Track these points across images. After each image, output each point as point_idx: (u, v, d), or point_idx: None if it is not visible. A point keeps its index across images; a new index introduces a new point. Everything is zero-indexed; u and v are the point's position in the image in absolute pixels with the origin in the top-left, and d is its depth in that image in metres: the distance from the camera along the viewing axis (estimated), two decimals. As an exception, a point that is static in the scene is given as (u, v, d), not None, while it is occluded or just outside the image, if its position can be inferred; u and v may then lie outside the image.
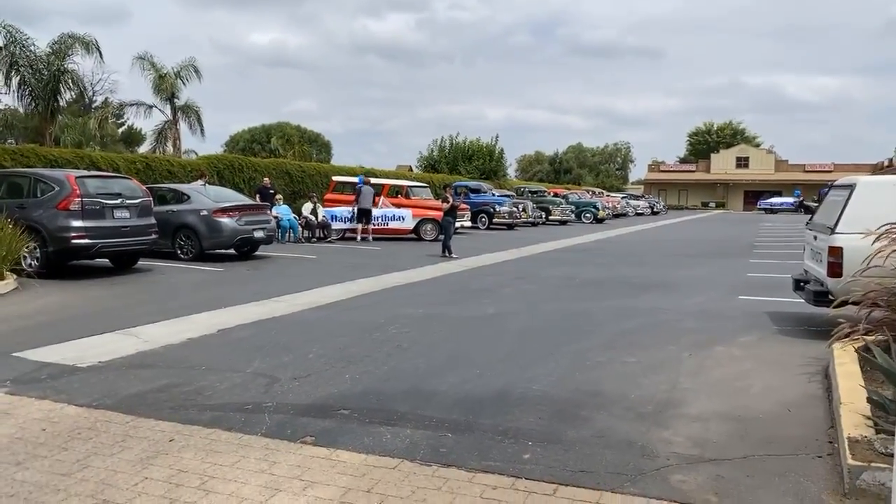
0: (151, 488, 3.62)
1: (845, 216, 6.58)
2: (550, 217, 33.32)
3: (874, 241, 5.04)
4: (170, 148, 34.73)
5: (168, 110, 34.27)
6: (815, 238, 7.34)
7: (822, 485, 3.61)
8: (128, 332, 7.15)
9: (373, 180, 23.64)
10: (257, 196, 19.61)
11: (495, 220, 27.97)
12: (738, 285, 11.33)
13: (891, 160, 58.05)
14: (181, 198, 14.38)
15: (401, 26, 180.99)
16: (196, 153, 38.40)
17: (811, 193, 65.99)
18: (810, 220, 8.06)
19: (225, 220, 13.87)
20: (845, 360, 5.14)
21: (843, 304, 5.67)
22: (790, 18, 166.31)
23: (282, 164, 27.17)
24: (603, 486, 3.63)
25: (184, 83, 33.67)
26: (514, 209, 28.73)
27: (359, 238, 19.58)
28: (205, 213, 13.82)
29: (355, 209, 19.76)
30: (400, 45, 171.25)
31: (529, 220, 30.05)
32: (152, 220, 12.15)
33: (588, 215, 36.50)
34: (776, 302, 9.25)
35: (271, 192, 20.20)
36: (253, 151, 54.69)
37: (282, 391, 5.24)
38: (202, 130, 35.16)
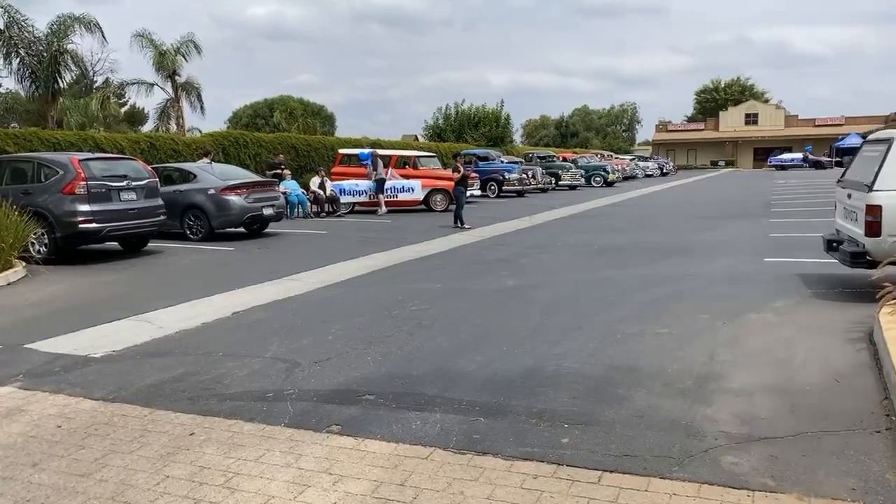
0: (174, 488, 3.44)
1: (884, 172, 6.26)
2: (560, 182, 32.84)
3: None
4: (173, 126, 34.42)
5: (170, 88, 33.88)
6: (850, 196, 7.02)
7: (886, 463, 3.39)
8: (141, 318, 6.97)
9: (379, 151, 23.30)
10: (267, 172, 19.43)
11: (505, 187, 27.54)
12: (762, 247, 11.03)
13: (904, 111, 56.90)
14: (188, 177, 14.12)
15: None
16: (200, 131, 38.04)
17: (822, 148, 65.10)
18: (842, 176, 7.72)
19: (233, 198, 13.63)
20: (892, 324, 4.88)
21: (886, 264, 5.41)
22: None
23: (287, 139, 26.81)
24: (650, 471, 3.42)
25: (185, 59, 33.24)
26: (524, 176, 28.29)
27: (384, 210, 19.50)
28: (212, 191, 13.57)
29: (374, 181, 19.52)
30: (400, 12, 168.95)
31: (539, 186, 29.59)
32: (160, 202, 11.92)
33: (598, 179, 36.00)
34: (804, 263, 8.96)
35: (282, 167, 19.95)
36: (256, 126, 54.27)
37: (303, 376, 5.05)
38: (202, 108, 34.81)
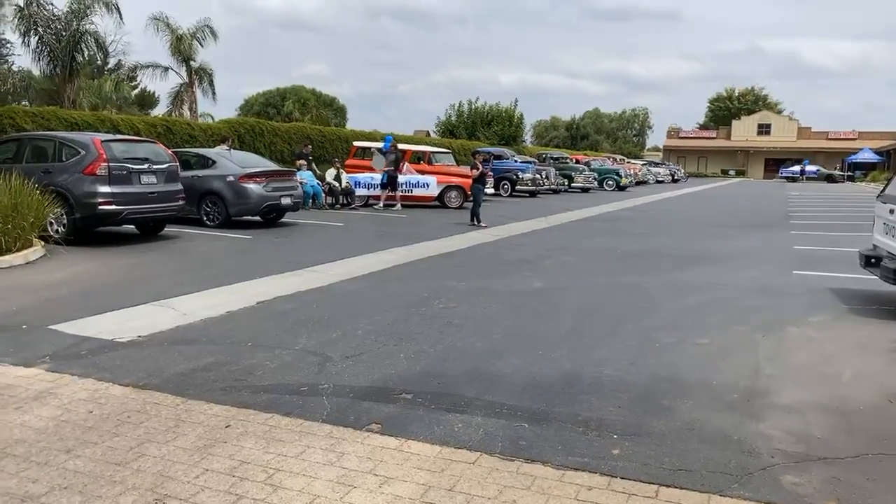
0: (214, 482, 3.32)
1: (931, 189, 6.11)
2: (573, 184, 32.71)
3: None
4: (186, 111, 34.33)
5: (184, 72, 33.79)
6: (892, 212, 6.88)
7: (956, 491, 3.26)
8: (164, 303, 6.86)
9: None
10: (298, 162, 19.23)
11: (518, 187, 27.41)
12: (789, 259, 10.88)
13: (919, 128, 56.56)
14: (207, 163, 14.00)
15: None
16: (212, 117, 38.00)
17: (834, 162, 64.80)
18: (883, 191, 7.57)
19: (252, 186, 13.50)
20: (946, 346, 4.74)
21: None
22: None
23: (302, 129, 26.74)
24: (708, 487, 3.30)
25: (200, 44, 33.17)
26: (538, 176, 28.13)
27: (399, 206, 19.04)
28: (231, 178, 13.46)
29: (385, 175, 19.14)
30: (413, 8, 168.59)
31: (552, 187, 29.46)
32: (179, 186, 11.81)
33: (610, 183, 35.81)
34: (836, 278, 8.82)
35: (309, 158, 19.81)
36: (268, 115, 54.10)
37: (336, 371, 4.93)
38: (214, 93, 34.73)
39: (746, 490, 3.28)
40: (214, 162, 13.93)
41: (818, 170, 60.82)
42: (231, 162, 13.96)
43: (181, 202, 11.84)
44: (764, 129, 73.42)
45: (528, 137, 68.11)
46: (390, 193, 19.08)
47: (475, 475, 3.43)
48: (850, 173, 61.63)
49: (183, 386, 4.59)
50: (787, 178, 60.34)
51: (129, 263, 9.36)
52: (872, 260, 7.15)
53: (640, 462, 3.57)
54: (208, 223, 13.53)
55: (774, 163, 69.23)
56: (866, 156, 62.29)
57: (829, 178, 58.68)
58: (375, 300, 7.29)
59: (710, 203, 27.70)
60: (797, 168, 61.32)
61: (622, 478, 3.40)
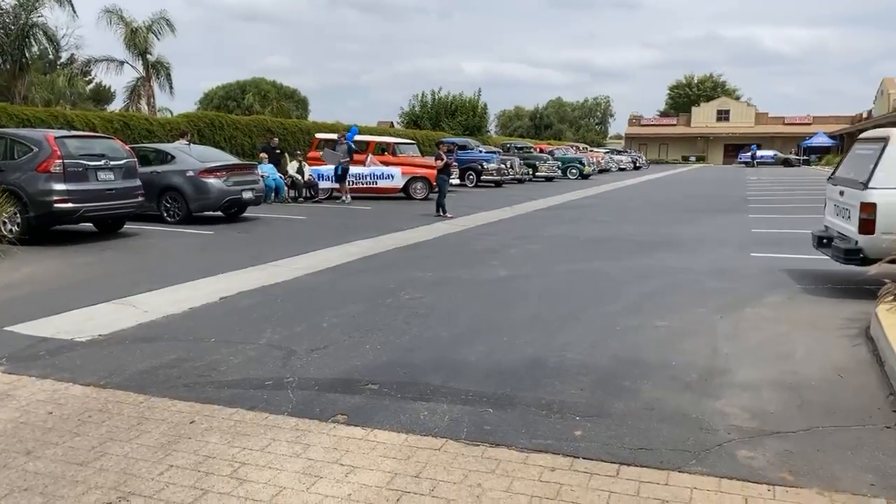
0: (179, 478, 3.31)
1: (879, 171, 6.32)
2: (537, 174, 32.91)
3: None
4: (144, 106, 33.63)
5: (140, 66, 33.07)
6: (842, 193, 7.09)
7: (901, 459, 3.40)
8: (124, 301, 6.76)
9: (359, 137, 23.03)
10: (260, 155, 19.04)
11: (483, 177, 27.50)
12: (747, 242, 11.14)
13: (870, 112, 58.19)
14: (165, 158, 13.76)
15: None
16: (171, 111, 37.29)
17: (790, 146, 66.25)
18: (833, 174, 7.80)
19: (212, 181, 13.32)
20: (893, 321, 4.93)
21: (874, 262, 5.47)
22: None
23: (263, 122, 26.44)
24: (668, 464, 3.40)
25: (157, 38, 32.48)
26: (503, 166, 28.25)
27: (348, 198, 18.93)
28: (191, 173, 13.26)
29: (338, 167, 18.79)
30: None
31: (517, 176, 29.61)
32: (138, 182, 11.60)
33: (574, 171, 36.11)
34: (790, 259, 9.06)
35: (277, 151, 19.57)
36: (228, 108, 53.25)
37: (301, 364, 4.93)
38: (171, 87, 34.06)
39: (704, 466, 3.38)
40: (173, 157, 13.71)
41: (775, 154, 62.18)
42: (190, 157, 13.75)
43: (140, 199, 11.63)
44: (723, 116, 74.72)
45: (492, 127, 68.30)
46: (343, 186, 18.89)
47: (441, 461, 3.47)
48: (805, 157, 63.12)
49: (145, 384, 4.54)
50: (744, 163, 61.57)
51: (88, 262, 9.18)
52: (824, 241, 7.38)
53: (601, 442, 3.65)
54: (168, 219, 13.32)
55: (733, 148, 70.48)
56: (821, 140, 63.83)
57: (786, 163, 60.05)
58: (340, 293, 7.28)
59: (670, 189, 28.15)
60: (758, 153, 62.57)
61: (584, 458, 3.48)
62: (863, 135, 7.49)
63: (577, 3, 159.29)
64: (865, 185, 6.39)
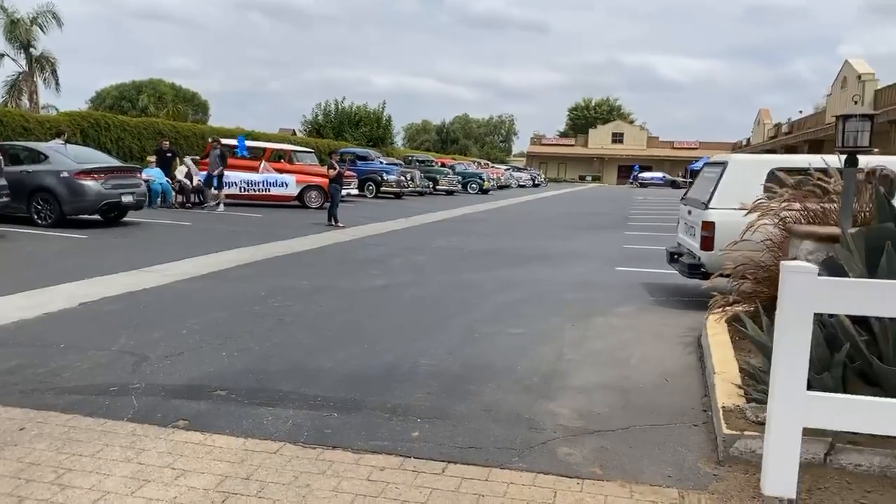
0: (-5, 486, 3.21)
1: (718, 192, 6.91)
2: (437, 187, 33.38)
3: (747, 214, 5.29)
4: (25, 102, 31.73)
5: (23, 60, 31.21)
6: (690, 213, 7.69)
7: (699, 453, 3.75)
8: (-29, 306, 6.40)
9: (253, 143, 22.65)
10: (155, 157, 18.54)
11: (383, 188, 27.66)
12: (616, 257, 11.78)
13: (748, 139, 62.57)
14: (38, 158, 13.07)
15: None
16: (56, 109, 35.25)
17: (678, 169, 70.20)
18: (685, 195, 8.42)
19: (89, 183, 12.76)
20: (717, 330, 5.40)
21: (719, 276, 5.98)
22: (663, 1, 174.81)
23: (153, 124, 25.48)
24: (492, 462, 3.60)
25: (43, 31, 30.77)
26: (403, 178, 28.50)
27: (222, 207, 18.00)
28: (65, 174, 12.65)
29: (216, 173, 18.08)
30: (285, 4, 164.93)
31: (417, 189, 29.93)
32: (3, 182, 10.96)
33: (474, 186, 36.87)
34: (650, 273, 9.67)
35: (168, 155, 18.89)
36: (122, 109, 50.90)
37: (151, 371, 4.85)
38: (58, 84, 32.39)
39: (525, 462, 3.61)
40: (46, 157, 13.04)
41: (664, 176, 65.63)
42: (65, 157, 13.13)
43: (4, 199, 11.00)
44: (617, 138, 78.33)
45: (399, 140, 68.64)
46: (214, 192, 18.35)
47: (274, 464, 3.53)
48: (691, 180, 66.84)
49: (-24, 390, 4.34)
50: (641, 183, 64.62)
51: (-62, 265, 8.60)
52: (675, 256, 7.95)
53: (435, 443, 3.82)
54: (39, 222, 12.65)
55: (626, 170, 73.93)
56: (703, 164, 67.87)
57: (674, 184, 63.52)
58: (209, 300, 7.18)
59: (561, 206, 29.24)
60: (646, 175, 65.84)
61: (415, 457, 3.63)
62: (710, 159, 8.15)
63: (487, 23, 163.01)
64: (706, 205, 6.97)
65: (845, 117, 4.60)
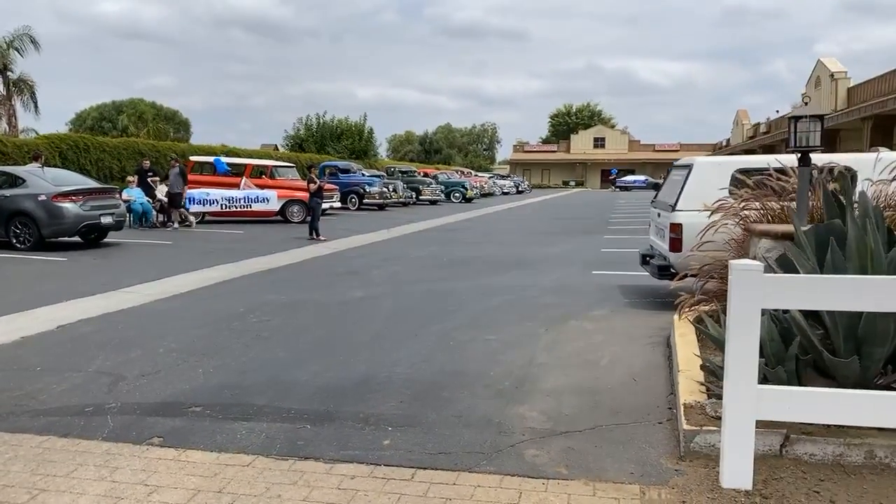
0: (-31, 509, 3.26)
1: (685, 194, 7.06)
2: (421, 197, 33.51)
3: (710, 215, 5.43)
4: (4, 126, 31.57)
5: (0, 85, 31.08)
6: (659, 215, 7.84)
7: (661, 449, 3.86)
8: (-52, 332, 6.41)
9: (235, 160, 22.71)
10: (136, 178, 18.61)
11: (366, 200, 27.75)
12: (593, 261, 11.92)
13: (728, 140, 63.24)
14: (15, 181, 13.06)
15: (264, 1, 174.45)
16: (36, 132, 35.11)
17: (660, 172, 70.79)
18: (655, 197, 8.58)
19: (67, 206, 12.76)
20: (684, 330, 5.52)
21: (685, 276, 6.11)
22: (641, 5, 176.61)
23: (133, 144, 25.46)
24: (460, 466, 3.68)
25: (19, 54, 30.67)
26: (385, 189, 28.63)
27: (177, 225, 17.89)
28: (43, 197, 12.64)
29: (177, 192, 17.96)
30: (264, 20, 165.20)
31: (400, 200, 30.05)
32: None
33: (457, 195, 37.04)
34: (626, 276, 9.80)
35: (149, 174, 18.89)
36: (102, 130, 50.77)
37: (127, 390, 4.90)
38: (36, 107, 32.27)
39: (493, 465, 3.70)
40: (24, 180, 13.03)
41: (646, 179, 66.12)
42: (43, 180, 13.12)
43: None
44: (599, 143, 78.92)
45: (383, 151, 68.79)
46: (173, 210, 18.24)
47: (246, 476, 3.60)
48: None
49: (-49, 416, 4.38)
50: (619, 187, 65.12)
51: (-86, 292, 8.58)
52: (647, 258, 8.09)
53: (405, 450, 3.90)
54: (18, 246, 12.63)
55: (609, 174, 74.46)
56: (686, 166, 68.42)
57: (656, 187, 64.01)
58: (187, 318, 7.23)
59: (543, 212, 29.44)
60: (628, 178, 66.32)
61: (385, 465, 3.70)
62: (677, 162, 8.32)
63: (467, 33, 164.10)
64: (673, 208, 7.12)
65: (796, 118, 4.75)
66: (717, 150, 64.65)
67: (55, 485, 3.50)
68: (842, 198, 4.17)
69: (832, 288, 3.21)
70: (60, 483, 3.51)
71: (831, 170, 5.10)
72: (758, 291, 3.24)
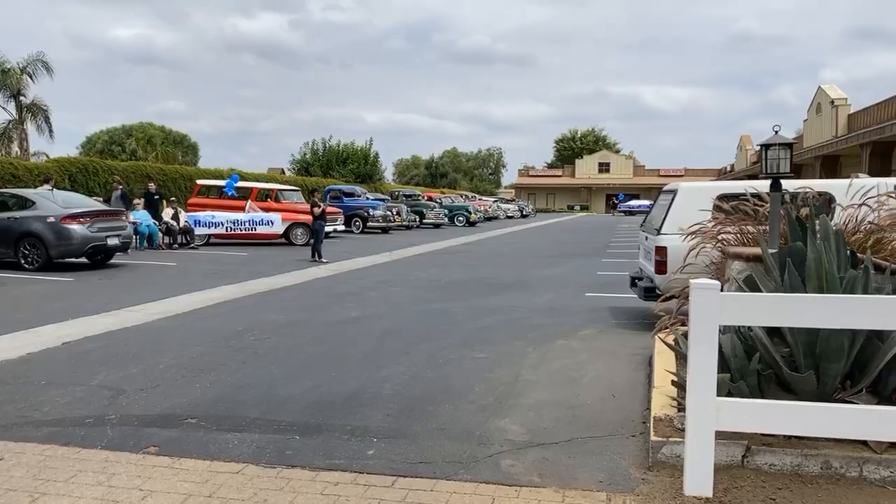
0: (-26, 510, 3.47)
1: (669, 218, 7.29)
2: (424, 220, 33.84)
3: (685, 239, 5.65)
4: (16, 149, 32.15)
5: (13, 108, 31.74)
6: (647, 238, 8.06)
7: (631, 460, 4.05)
8: (-43, 348, 6.66)
9: (241, 183, 23.09)
10: (143, 200, 19.06)
11: (370, 223, 28.09)
12: (588, 283, 12.13)
13: (732, 165, 63.54)
14: (25, 204, 13.42)
15: (274, 26, 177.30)
16: (47, 155, 35.72)
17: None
18: (643, 222, 8.81)
19: (75, 227, 13.09)
20: (664, 348, 5.71)
21: (670, 298, 6.31)
22: (649, 31, 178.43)
23: (141, 167, 25.91)
24: (439, 474, 3.87)
25: (32, 79, 31.36)
26: (389, 213, 28.98)
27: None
28: (52, 219, 12.98)
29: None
30: (275, 45, 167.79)
31: (404, 223, 30.39)
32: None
33: (461, 218, 37.38)
34: (617, 298, 10.00)
35: (156, 197, 19.34)
36: (112, 154, 51.49)
37: (127, 402, 5.12)
38: (51, 131, 32.89)
39: (470, 474, 3.89)
40: (34, 203, 13.39)
41: (651, 203, 66.39)
42: (52, 202, 13.47)
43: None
44: (604, 168, 79.47)
45: (389, 175, 69.44)
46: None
47: (236, 482, 3.80)
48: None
49: (-41, 426, 4.60)
50: (623, 212, 65.41)
51: (-74, 310, 8.85)
52: (636, 281, 8.30)
53: (388, 459, 4.10)
54: (27, 266, 12.94)
55: (616, 198, 74.82)
56: (691, 190, 68.65)
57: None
58: (187, 336, 7.46)
59: (545, 236, 29.68)
60: (633, 202, 66.60)
61: (367, 473, 3.91)
62: (664, 187, 8.56)
63: (474, 59, 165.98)
64: (658, 231, 7.35)
65: (766, 146, 4.99)
66: (721, 174, 64.96)
67: (55, 489, 3.71)
68: (806, 222, 4.39)
69: (781, 305, 3.43)
70: (60, 487, 3.72)
71: (817, 195, 5.32)
72: (715, 309, 3.46)
